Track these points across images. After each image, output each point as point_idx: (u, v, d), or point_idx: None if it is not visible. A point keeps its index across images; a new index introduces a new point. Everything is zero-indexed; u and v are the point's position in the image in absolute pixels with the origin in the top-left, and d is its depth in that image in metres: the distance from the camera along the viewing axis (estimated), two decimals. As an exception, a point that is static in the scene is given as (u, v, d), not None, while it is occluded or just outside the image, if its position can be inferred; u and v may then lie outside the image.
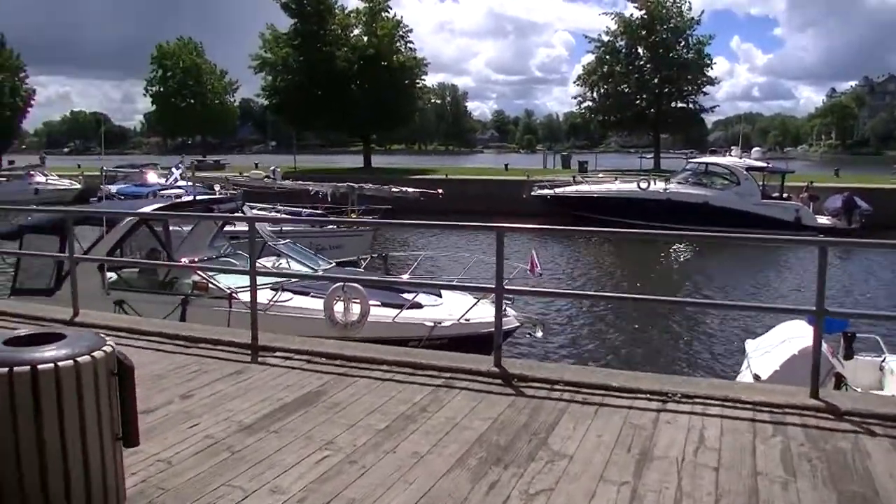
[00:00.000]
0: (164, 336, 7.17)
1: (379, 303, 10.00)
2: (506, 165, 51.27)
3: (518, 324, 10.47)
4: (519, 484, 3.98)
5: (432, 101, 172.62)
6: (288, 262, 11.94)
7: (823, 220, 33.10)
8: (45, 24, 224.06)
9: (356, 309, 9.55)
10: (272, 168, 28.28)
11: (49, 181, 44.84)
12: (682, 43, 55.11)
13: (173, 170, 28.60)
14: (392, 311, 9.91)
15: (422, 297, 10.52)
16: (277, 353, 6.56)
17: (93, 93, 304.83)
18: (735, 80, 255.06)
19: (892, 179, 39.78)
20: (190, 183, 24.69)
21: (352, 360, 6.25)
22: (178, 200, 11.68)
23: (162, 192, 13.24)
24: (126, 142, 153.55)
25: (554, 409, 5.10)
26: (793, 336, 8.95)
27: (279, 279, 10.56)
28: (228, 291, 10.22)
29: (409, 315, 10.02)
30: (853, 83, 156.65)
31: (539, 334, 10.40)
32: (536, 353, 12.44)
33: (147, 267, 11.38)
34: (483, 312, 10.38)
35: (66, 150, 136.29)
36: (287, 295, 10.20)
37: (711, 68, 56.19)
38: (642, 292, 19.70)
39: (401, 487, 3.96)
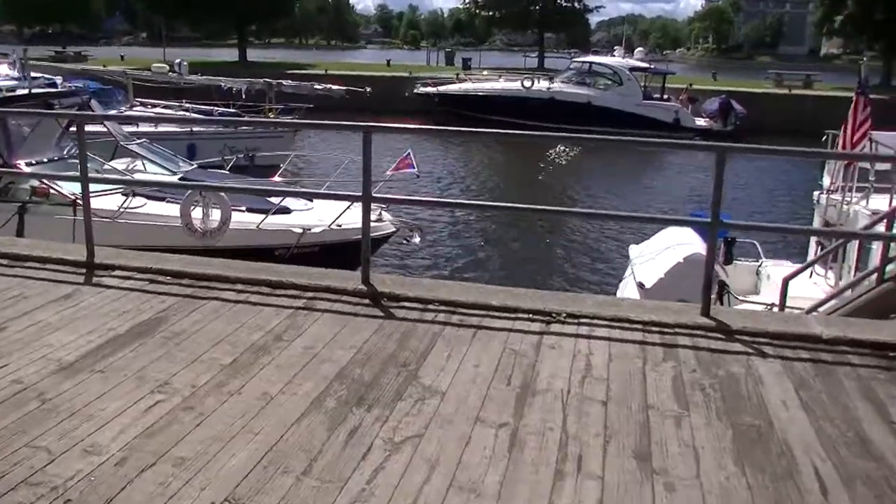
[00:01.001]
0: (-19, 253, 6.17)
1: (243, 208, 9.15)
2: (388, 61, 49.62)
3: (394, 229, 9.87)
4: (383, 430, 3.42)
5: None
6: (143, 165, 10.81)
7: (701, 121, 33.80)
8: None
9: (216, 215, 8.69)
10: (177, 61, 26.01)
11: None
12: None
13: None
14: (257, 217, 9.09)
15: (290, 202, 9.73)
16: (116, 273, 5.70)
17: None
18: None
19: (766, 84, 40.87)
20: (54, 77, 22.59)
21: (201, 279, 5.49)
22: (10, 94, 10.22)
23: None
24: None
25: (427, 333, 4.56)
26: (677, 242, 8.75)
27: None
28: (72, 198, 9.09)
29: (275, 221, 9.24)
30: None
31: (416, 240, 9.83)
32: (410, 265, 11.93)
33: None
34: (358, 217, 9.75)
35: None
36: (140, 200, 9.19)
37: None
38: (525, 198, 19.45)
39: (243, 440, 3.33)
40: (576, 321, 4.72)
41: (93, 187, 9.67)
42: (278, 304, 5.04)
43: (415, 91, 34.46)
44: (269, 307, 4.98)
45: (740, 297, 9.24)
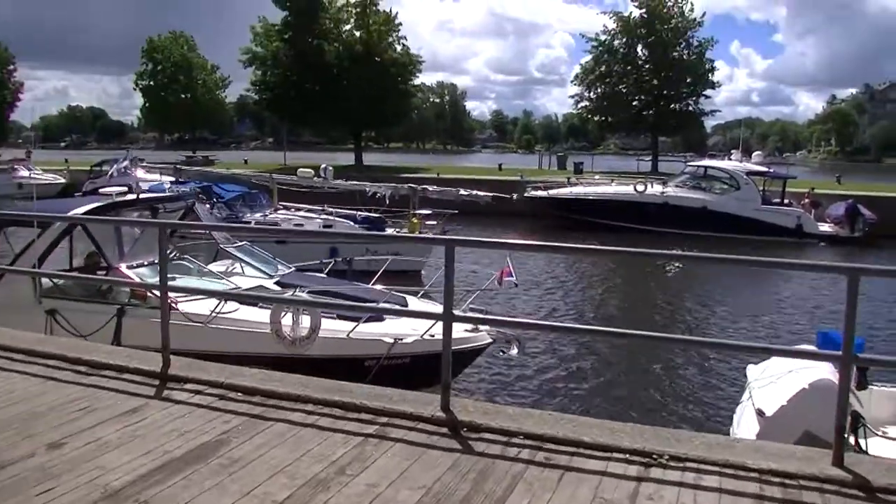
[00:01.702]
0: (65, 360, 6.09)
1: (334, 315, 8.89)
2: (500, 165, 50.14)
3: (490, 340, 9.37)
4: None
5: (431, 100, 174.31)
6: (242, 268, 10.83)
7: (826, 227, 32.12)
8: (44, 19, 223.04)
9: (306, 322, 8.45)
10: (322, 166, 26.68)
11: (33, 175, 43.67)
12: (683, 44, 54.15)
13: (118, 164, 27.86)
14: (348, 325, 8.80)
15: (387, 307, 9.45)
16: (188, 386, 5.47)
17: (91, 87, 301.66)
18: (734, 85, 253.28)
19: (896, 187, 38.79)
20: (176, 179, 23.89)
21: (272, 397, 5.16)
22: (119, 200, 10.52)
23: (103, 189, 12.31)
24: (123, 137, 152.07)
25: (507, 473, 4.01)
26: (802, 364, 7.87)
27: (226, 287, 9.45)
28: (169, 303, 9.07)
29: (366, 329, 8.92)
30: (853, 90, 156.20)
31: (514, 352, 9.27)
32: (501, 380, 11.22)
33: (70, 278, 10.25)
34: (457, 327, 9.34)
35: (62, 144, 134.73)
36: (233, 305, 9.09)
37: (713, 73, 55.30)
38: (633, 310, 18.51)
39: None
40: (681, 465, 4.08)
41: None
42: (348, 429, 4.63)
43: (525, 194, 34.37)
44: (338, 433, 4.57)
45: (879, 432, 8.19)
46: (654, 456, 4.14)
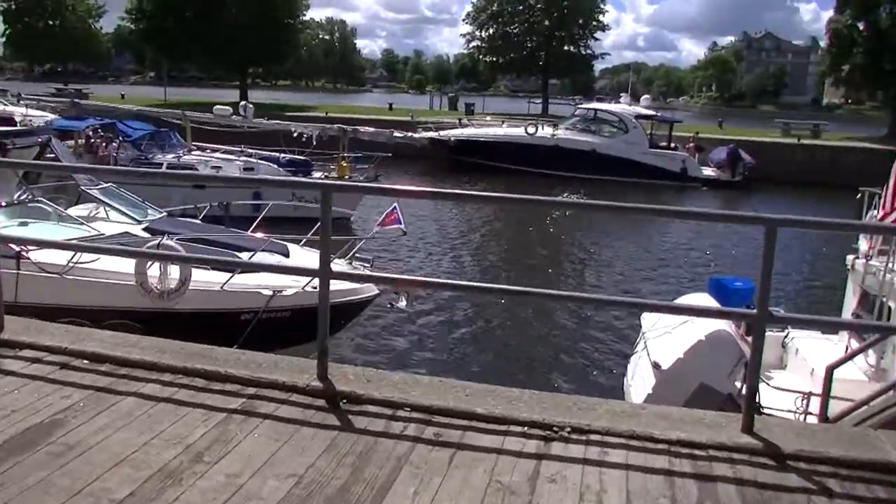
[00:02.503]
0: None
1: (208, 266, 8.14)
2: (390, 105, 49.05)
3: (377, 291, 8.81)
4: None
5: (320, 36, 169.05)
6: (106, 212, 9.84)
7: (708, 171, 33.00)
8: None
9: (175, 273, 7.68)
10: (242, 104, 24.69)
11: None
12: (574, -15, 54.14)
13: None
14: (222, 276, 8.06)
15: (264, 256, 8.73)
16: (24, 352, 4.68)
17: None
18: (621, 30, 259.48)
19: (773, 133, 40.16)
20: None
21: (123, 366, 4.47)
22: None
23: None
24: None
25: (391, 454, 3.52)
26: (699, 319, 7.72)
27: (84, 235, 8.52)
28: (16, 250, 8.10)
29: (243, 280, 8.21)
30: (732, 38, 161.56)
31: (402, 304, 8.75)
32: (387, 341, 10.63)
33: None
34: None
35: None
36: (91, 255, 8.17)
37: (603, 14, 55.61)
38: (525, 265, 18.22)
39: None
40: (584, 438, 3.69)
41: (44, 232, 8.82)
42: (209, 403, 4.02)
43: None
44: (198, 409, 3.95)
45: (766, 374, 8.20)
46: (555, 428, 3.74)
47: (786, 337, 9.07)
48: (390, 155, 20.90)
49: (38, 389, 4.18)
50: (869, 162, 34.38)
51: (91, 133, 20.56)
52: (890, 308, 7.52)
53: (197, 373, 4.34)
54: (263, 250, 8.52)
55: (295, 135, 22.37)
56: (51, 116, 23.46)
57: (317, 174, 20.62)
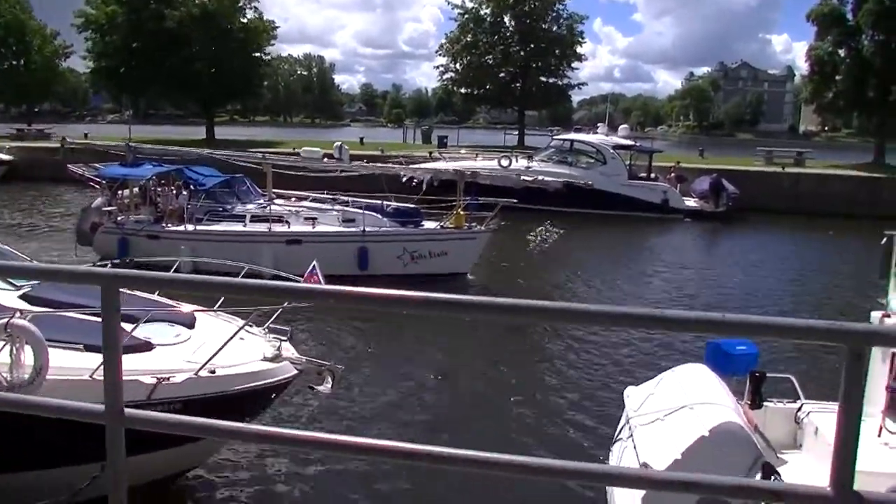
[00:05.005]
0: None
1: (81, 345, 6.44)
2: (361, 139, 47.61)
3: (294, 372, 7.11)
4: None
5: (298, 72, 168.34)
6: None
7: (691, 202, 31.76)
8: None
9: (29, 360, 6.00)
10: (336, 144, 21.59)
11: None
12: (552, 17, 53.22)
13: None
14: (94, 360, 6.37)
15: (156, 333, 7.04)
16: None
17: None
18: (597, 62, 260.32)
19: (755, 162, 39.07)
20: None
21: None
22: None
23: None
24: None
25: None
26: (692, 390, 6.14)
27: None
28: None
29: (131, 364, 6.51)
30: (708, 69, 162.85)
31: (327, 387, 7.02)
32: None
33: None
34: (252, 351, 7.09)
35: None
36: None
37: (581, 45, 54.73)
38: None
39: None
40: None
41: None
42: None
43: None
44: None
45: (777, 457, 6.62)
46: None
47: (799, 410, 7.50)
48: (515, 201, 18.28)
49: None
50: (856, 190, 33.42)
51: (154, 182, 18.55)
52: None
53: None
54: (151, 320, 6.83)
55: (404, 179, 20.18)
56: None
57: (429, 224, 18.16)
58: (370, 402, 9.89)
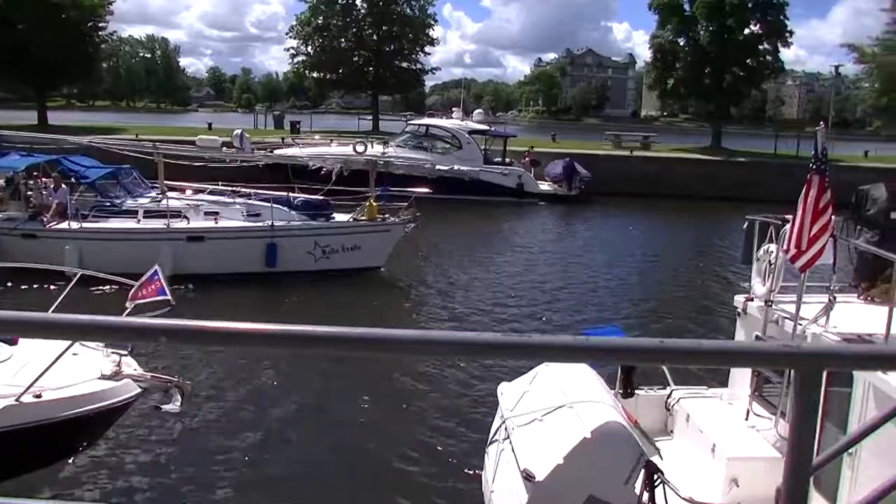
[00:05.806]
0: None
1: None
2: (209, 125, 45.56)
3: (137, 391, 6.35)
4: None
5: (140, 54, 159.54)
6: None
7: (545, 185, 32.32)
8: None
9: None
10: (236, 132, 20.22)
11: None
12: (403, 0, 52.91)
13: None
14: None
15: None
16: None
17: None
18: (448, 47, 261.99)
19: (605, 146, 40.31)
20: None
21: None
22: None
23: None
24: None
25: None
26: (571, 388, 5.88)
27: None
28: None
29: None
30: (555, 55, 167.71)
31: (175, 405, 6.28)
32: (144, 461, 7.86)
33: None
34: (87, 369, 6.27)
35: None
36: None
37: (434, 28, 54.70)
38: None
39: None
40: None
41: None
42: None
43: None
44: None
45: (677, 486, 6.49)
46: None
47: (669, 396, 7.47)
48: (430, 192, 17.73)
49: None
50: (697, 172, 35.22)
51: (25, 174, 16.43)
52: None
53: None
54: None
55: (312, 168, 19.24)
56: None
57: (340, 217, 17.23)
58: (225, 418, 9.10)
